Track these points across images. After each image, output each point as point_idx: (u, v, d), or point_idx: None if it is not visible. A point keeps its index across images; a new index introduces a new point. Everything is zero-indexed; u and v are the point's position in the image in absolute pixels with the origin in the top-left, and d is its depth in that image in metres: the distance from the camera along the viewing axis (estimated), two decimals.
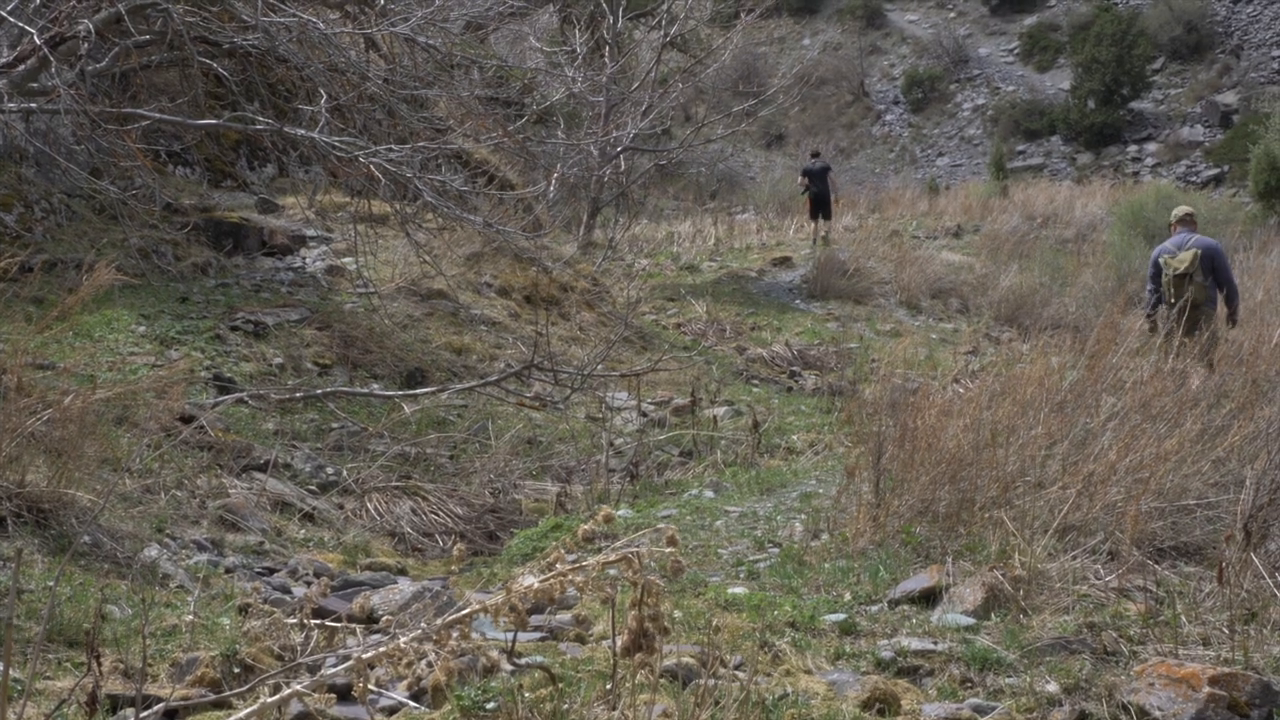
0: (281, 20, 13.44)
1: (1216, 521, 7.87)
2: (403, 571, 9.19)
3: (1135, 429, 8.60)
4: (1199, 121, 61.89)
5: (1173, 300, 15.04)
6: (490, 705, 5.15)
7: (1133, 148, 62.36)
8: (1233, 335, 13.70)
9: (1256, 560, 6.49)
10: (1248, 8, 66.43)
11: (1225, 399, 9.63)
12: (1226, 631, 5.97)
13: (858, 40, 75.26)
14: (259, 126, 13.59)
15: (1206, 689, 5.25)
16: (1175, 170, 58.70)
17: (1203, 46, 65.50)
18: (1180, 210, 16.73)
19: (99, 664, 4.48)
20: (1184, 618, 6.25)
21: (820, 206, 35.35)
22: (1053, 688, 5.60)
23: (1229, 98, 62.15)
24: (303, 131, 13.07)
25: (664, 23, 29.26)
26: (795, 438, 15.06)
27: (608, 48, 28.38)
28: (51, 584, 6.53)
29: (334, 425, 12.34)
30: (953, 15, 76.62)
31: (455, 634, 4.47)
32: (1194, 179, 56.95)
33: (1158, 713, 5.25)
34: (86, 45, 12.42)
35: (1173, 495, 7.93)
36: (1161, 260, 15.76)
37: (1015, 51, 72.42)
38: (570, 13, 31.22)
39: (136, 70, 14.44)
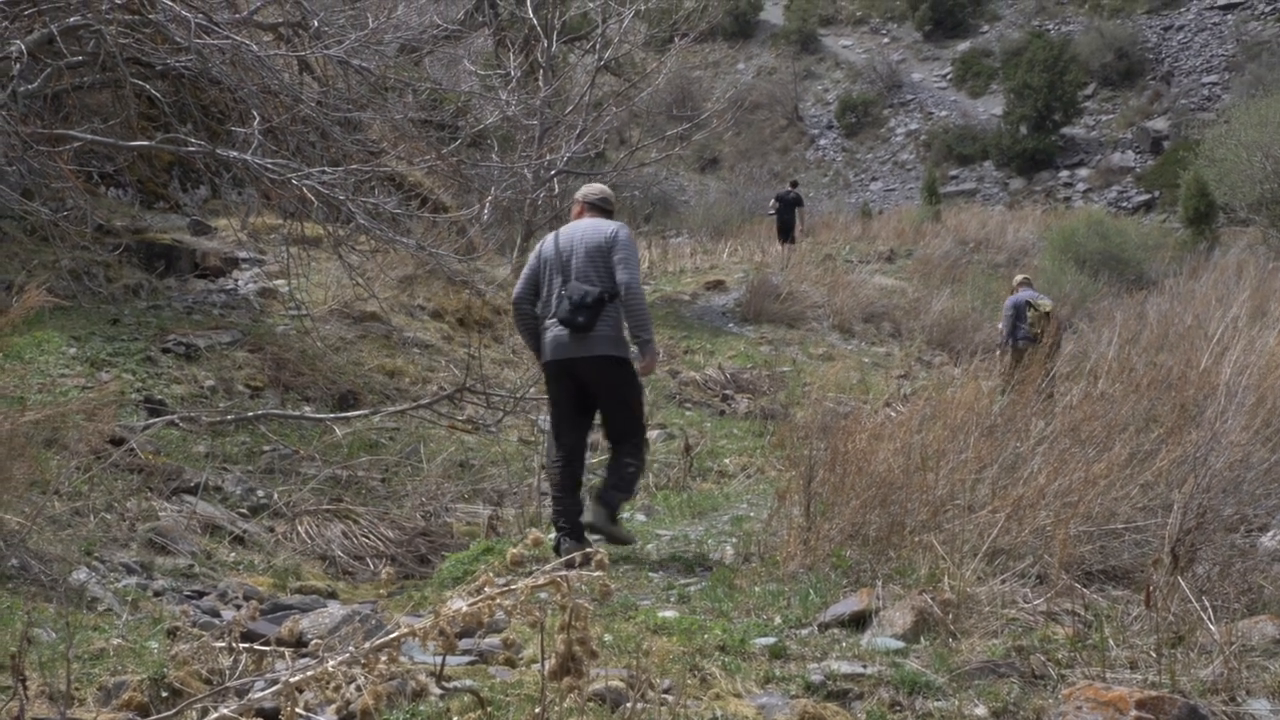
0: (215, 42, 13.40)
1: (1144, 545, 7.91)
2: (333, 595, 9.15)
3: (1064, 453, 8.65)
4: (1130, 147, 62.36)
5: (1038, 333, 19.44)
6: None
7: (1064, 173, 62.75)
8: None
9: (1184, 584, 6.53)
10: (1178, 35, 67.04)
11: (1154, 423, 9.70)
12: (1154, 655, 6.00)
13: (792, 65, 75.51)
14: (191, 148, 13.53)
15: (1133, 712, 5.26)
16: (1106, 196, 59.09)
17: (1134, 73, 66.04)
18: (1020, 276, 22.10)
19: (25, 688, 4.45)
20: (1112, 641, 6.29)
21: (784, 232, 37.93)
22: (981, 711, 5.62)
23: (1160, 124, 62.66)
24: (235, 153, 13.02)
25: (598, 47, 29.24)
26: (727, 461, 15.09)
27: (542, 71, 28.36)
28: None
29: (265, 448, 12.29)
30: (886, 41, 77.01)
31: (384, 658, 4.46)
32: (1125, 204, 57.36)
33: None
34: (18, 66, 12.33)
35: (1101, 519, 7.98)
36: (1030, 302, 20.34)
37: (948, 77, 72.80)
38: (505, 36, 31.21)
39: (69, 91, 14.37)
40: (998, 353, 20.05)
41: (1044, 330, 19.26)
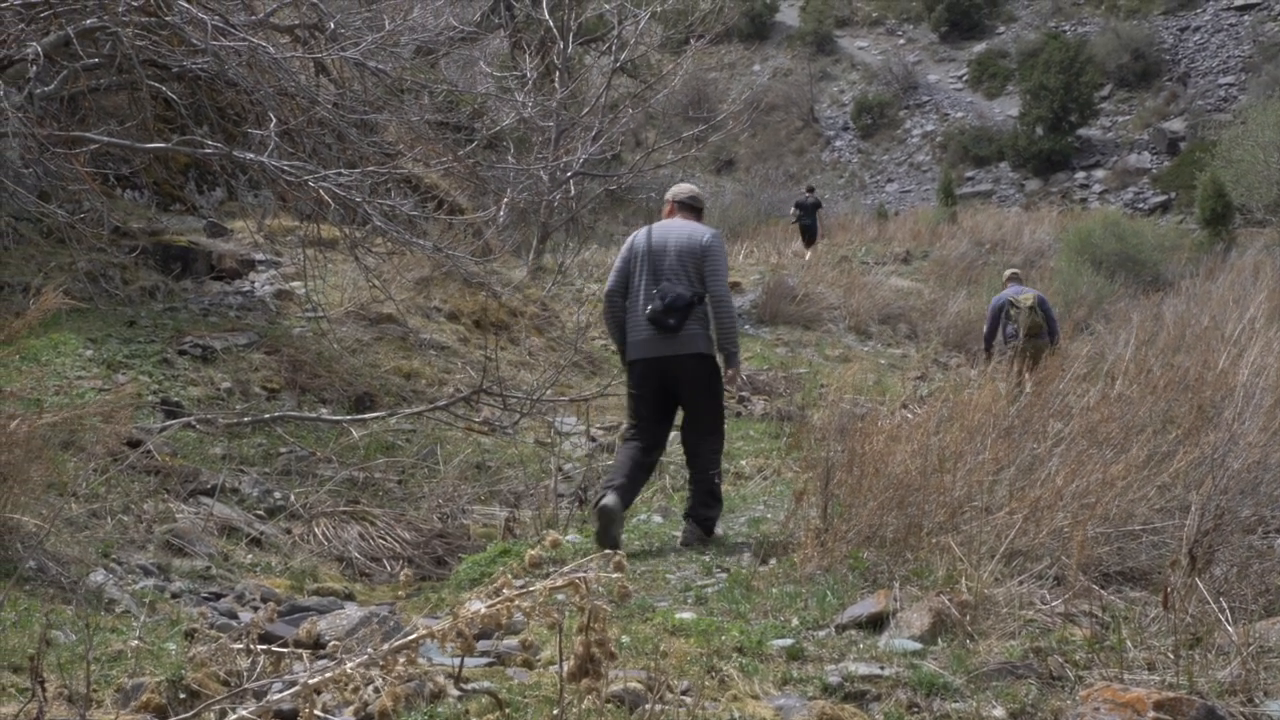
0: (231, 44, 13.41)
1: (1162, 547, 7.89)
2: (350, 597, 9.16)
3: (1082, 454, 8.64)
4: (1146, 148, 62.30)
5: (1024, 328, 20.18)
6: None
7: (1080, 174, 62.72)
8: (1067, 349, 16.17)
9: (1201, 585, 6.50)
10: (1195, 35, 66.96)
11: (1171, 425, 9.68)
12: (1171, 656, 5.98)
13: (807, 66, 75.51)
14: (208, 150, 13.54)
15: (1151, 713, 5.24)
16: (1123, 197, 59.04)
17: (1150, 74, 65.97)
18: (1010, 270, 23.18)
19: (43, 690, 4.45)
20: (1129, 642, 6.27)
21: (808, 235, 39.95)
22: (999, 713, 5.61)
23: (1176, 125, 62.60)
24: (252, 155, 13.03)
25: (614, 48, 29.22)
26: (744, 463, 15.05)
27: (558, 73, 28.35)
28: None
29: (282, 450, 12.29)
30: (902, 42, 76.98)
31: (402, 659, 4.45)
32: (1141, 206, 57.31)
33: None
34: (35, 68, 12.35)
35: (1119, 520, 7.95)
36: (1010, 300, 20.78)
37: (964, 78, 72.77)
38: (520, 38, 31.20)
39: (85, 93, 14.39)
40: (985, 355, 21.11)
41: (1030, 325, 20.21)
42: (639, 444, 10.09)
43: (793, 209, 40.99)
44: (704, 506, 9.94)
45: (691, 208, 10.62)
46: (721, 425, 10.38)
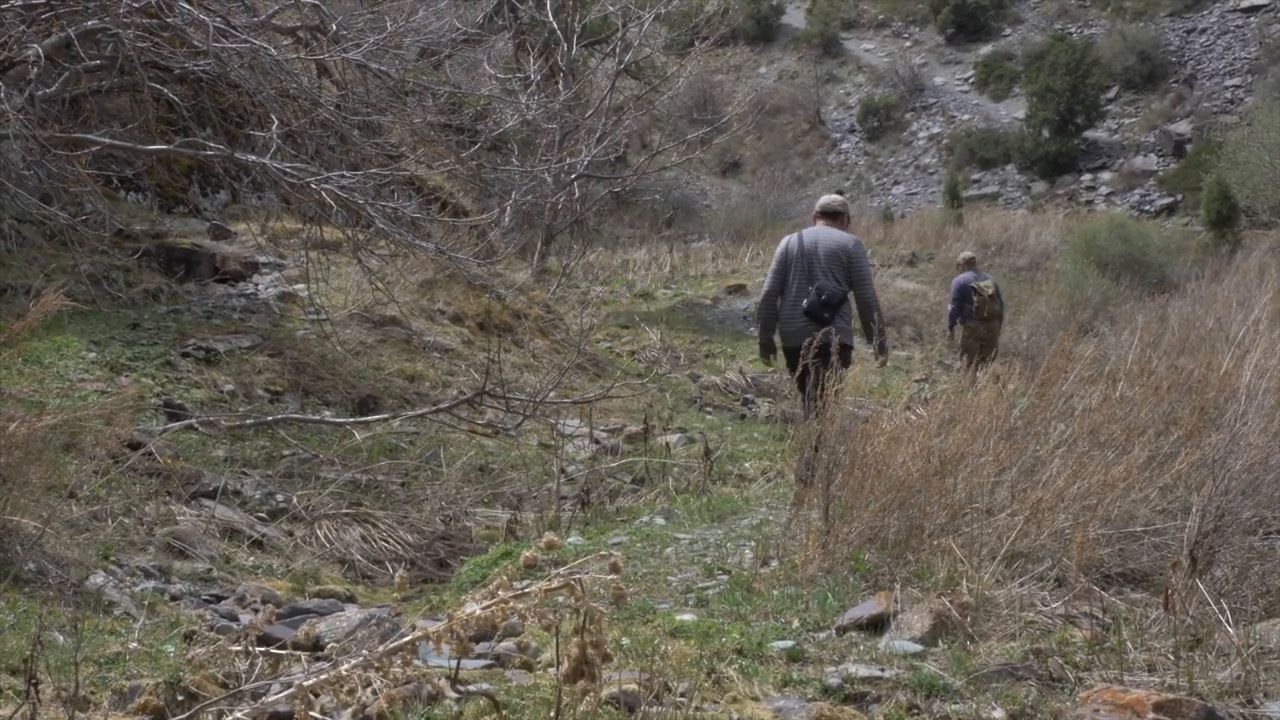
0: (233, 46, 13.39)
1: (1163, 548, 7.87)
2: (351, 599, 9.14)
3: (1084, 456, 8.61)
4: (1152, 151, 62.24)
5: (983, 313, 22.38)
6: None
7: (1087, 176, 62.64)
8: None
9: (1202, 587, 6.47)
10: (1201, 37, 66.90)
11: (1173, 426, 9.65)
12: (1172, 658, 5.96)
13: (814, 69, 75.49)
14: (210, 152, 13.52)
15: (1151, 715, 5.21)
16: (1129, 199, 59.00)
17: (1156, 76, 65.91)
18: (965, 254, 24.84)
19: (37, 692, 4.44)
20: (1130, 644, 6.25)
21: None
22: (999, 714, 5.59)
23: (1182, 127, 62.52)
24: (254, 157, 13.01)
25: (619, 50, 29.25)
26: (748, 465, 15.04)
27: (562, 75, 28.40)
28: None
29: (285, 452, 12.29)
30: (908, 44, 76.95)
31: (398, 661, 4.44)
32: (1147, 208, 57.27)
33: None
34: (36, 70, 12.34)
35: (1120, 522, 7.93)
36: (974, 286, 22.68)
37: (970, 80, 72.73)
38: (525, 40, 31.19)
39: (87, 95, 14.36)
40: (949, 333, 23.97)
41: (989, 312, 22.50)
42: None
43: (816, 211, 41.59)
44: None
45: (832, 215, 12.60)
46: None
